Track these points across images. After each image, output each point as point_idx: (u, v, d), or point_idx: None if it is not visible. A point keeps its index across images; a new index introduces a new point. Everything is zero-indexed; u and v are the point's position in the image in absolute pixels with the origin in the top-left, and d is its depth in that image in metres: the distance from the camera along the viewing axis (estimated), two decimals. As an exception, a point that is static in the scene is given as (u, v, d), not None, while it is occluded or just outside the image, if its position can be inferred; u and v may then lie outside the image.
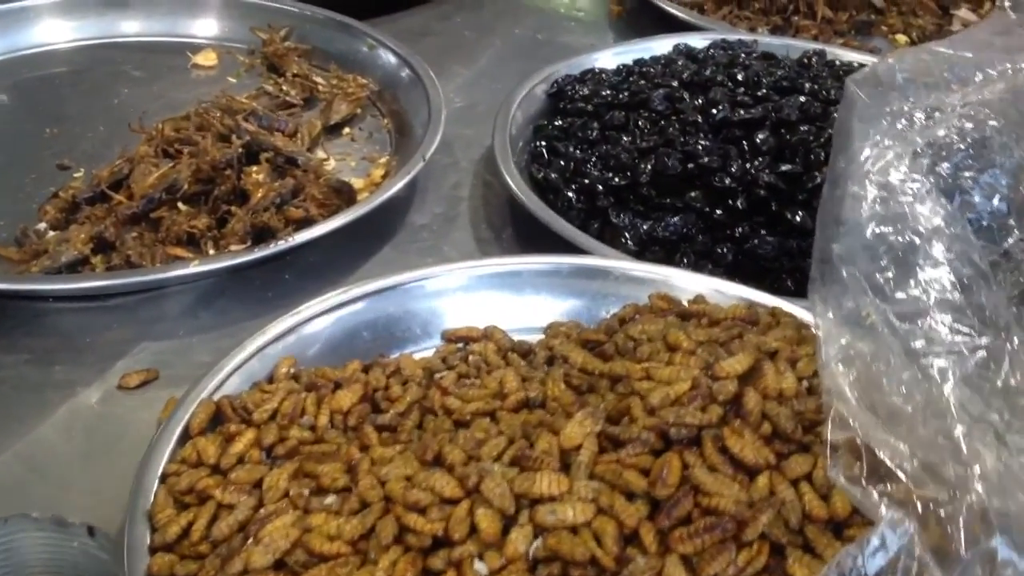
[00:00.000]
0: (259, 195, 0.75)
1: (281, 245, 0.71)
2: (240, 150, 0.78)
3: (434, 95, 0.91)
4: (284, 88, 0.96)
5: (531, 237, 0.79)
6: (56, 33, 1.03)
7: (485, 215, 0.85)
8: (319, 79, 0.98)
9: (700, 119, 0.84)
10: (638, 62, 0.98)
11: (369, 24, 1.04)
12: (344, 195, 0.80)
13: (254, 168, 0.77)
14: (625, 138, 0.86)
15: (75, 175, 0.84)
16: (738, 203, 0.78)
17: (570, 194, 0.82)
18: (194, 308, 0.71)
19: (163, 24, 1.06)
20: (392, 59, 0.99)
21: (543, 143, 0.89)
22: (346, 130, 0.94)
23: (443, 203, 0.86)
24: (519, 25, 1.17)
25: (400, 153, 0.89)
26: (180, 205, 0.75)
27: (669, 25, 1.10)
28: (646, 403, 0.48)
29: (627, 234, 0.78)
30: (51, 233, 0.75)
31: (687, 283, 0.67)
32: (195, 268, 0.68)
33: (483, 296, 0.68)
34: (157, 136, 0.81)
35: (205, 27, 1.07)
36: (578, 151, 0.86)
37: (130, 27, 1.06)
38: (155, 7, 1.07)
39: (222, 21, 1.07)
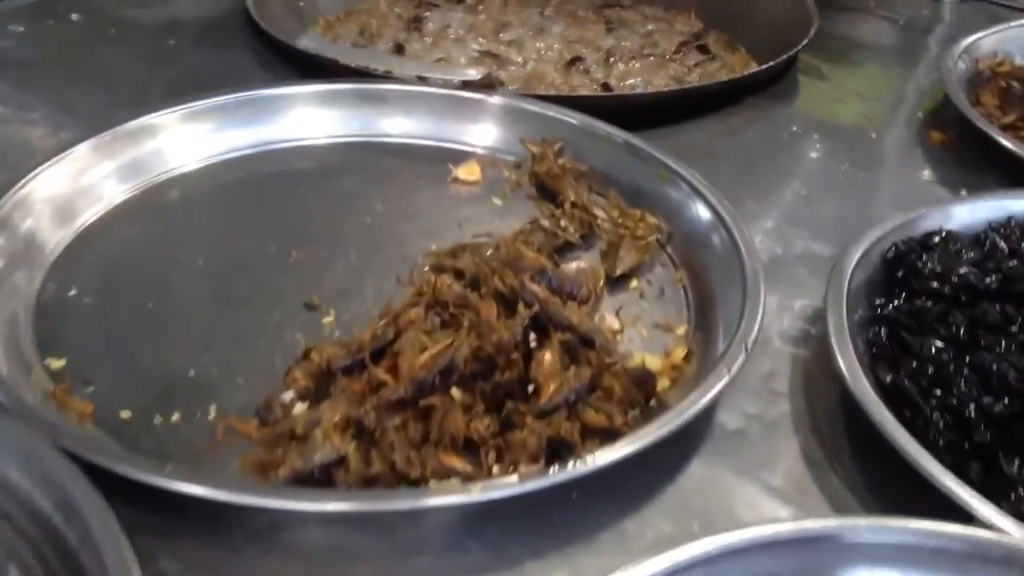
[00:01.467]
0: (551, 390, 0.60)
1: (581, 469, 0.56)
2: (526, 320, 0.64)
3: (749, 257, 0.74)
4: (563, 224, 0.81)
5: (877, 462, 0.62)
6: (308, 126, 0.92)
7: (811, 421, 0.68)
8: (600, 211, 0.84)
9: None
10: (999, 226, 0.79)
11: (645, 138, 0.89)
12: (645, 387, 0.64)
13: (545, 354, 0.62)
14: (1006, 342, 0.67)
15: (324, 319, 0.72)
16: None
17: (934, 414, 0.63)
18: (461, 536, 0.57)
19: (423, 125, 0.94)
20: (688, 193, 0.83)
21: (884, 329, 0.71)
22: (633, 284, 0.78)
23: (757, 400, 0.69)
24: (821, 148, 0.99)
25: (701, 324, 0.73)
26: (453, 390, 0.61)
27: (1006, 164, 0.91)
28: None
29: None
30: (299, 405, 0.62)
31: None
32: (480, 496, 0.54)
33: None
34: (428, 291, 0.67)
35: (469, 132, 0.94)
36: (938, 351, 0.68)
37: (388, 125, 0.94)
38: (416, 105, 0.94)
39: (487, 125, 0.94)
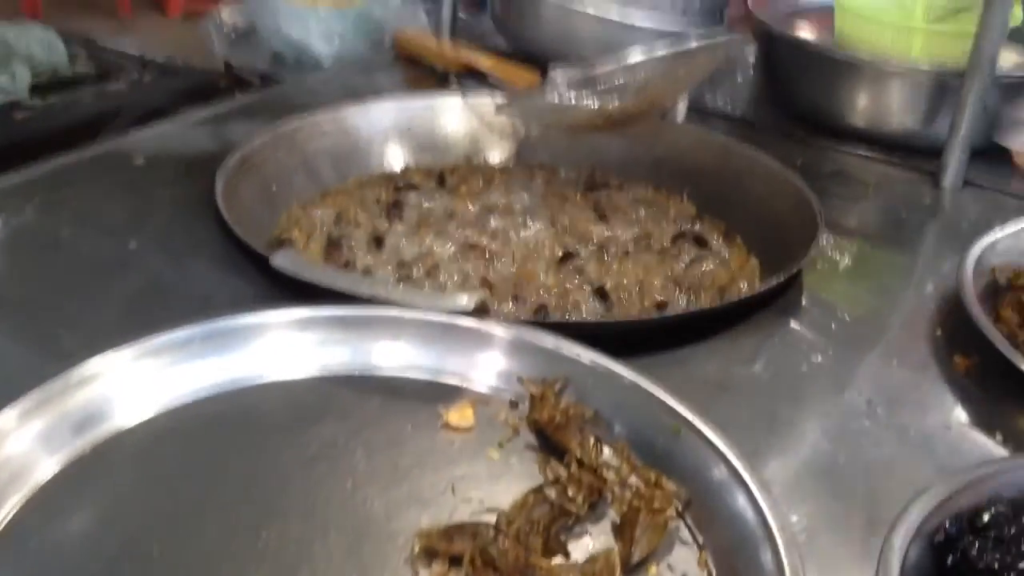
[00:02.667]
0: None
1: None
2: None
3: (782, 536, 0.66)
4: (570, 493, 0.72)
5: None
6: (282, 359, 0.83)
7: None
8: (610, 472, 0.75)
9: None
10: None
11: (650, 365, 0.82)
12: None
13: None
14: None
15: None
16: None
17: None
18: None
19: (411, 355, 0.85)
20: (707, 452, 0.75)
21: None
22: (652, 570, 0.69)
23: None
24: (839, 378, 0.92)
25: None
26: None
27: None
28: None
29: None
30: None
31: None
32: None
33: None
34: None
35: (460, 363, 0.85)
36: None
37: (372, 356, 0.85)
38: (402, 333, 0.85)
39: (480, 356, 0.85)
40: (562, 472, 0.75)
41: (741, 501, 0.71)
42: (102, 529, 0.68)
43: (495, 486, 0.75)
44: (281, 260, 0.89)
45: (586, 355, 0.83)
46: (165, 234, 1.03)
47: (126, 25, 4.36)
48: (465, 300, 0.85)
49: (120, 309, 0.91)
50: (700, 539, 0.71)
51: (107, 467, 0.73)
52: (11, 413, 0.71)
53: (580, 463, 0.75)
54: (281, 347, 0.84)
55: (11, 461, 0.70)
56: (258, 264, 0.94)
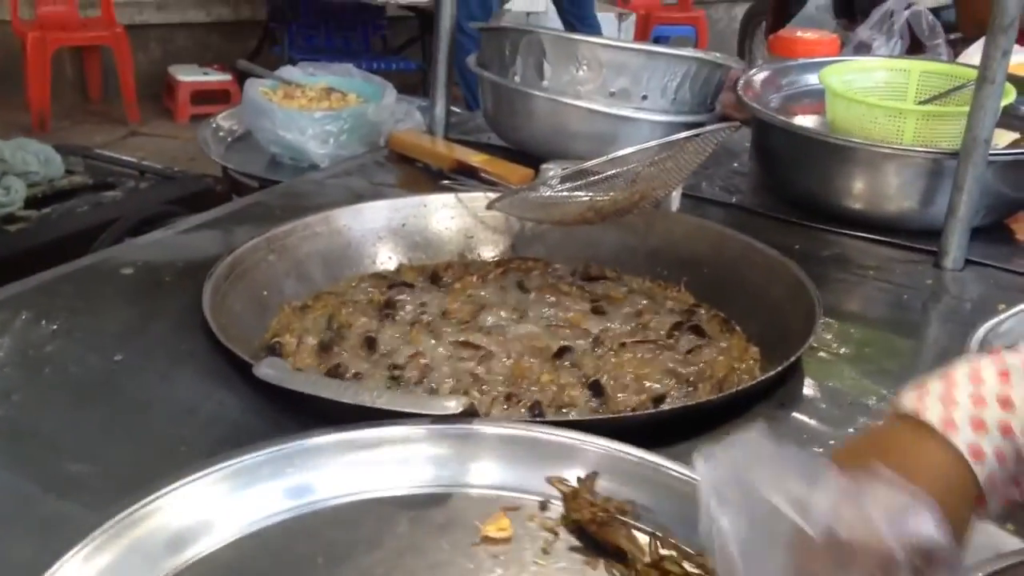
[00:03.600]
0: None
1: None
2: None
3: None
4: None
5: None
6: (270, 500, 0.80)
7: None
8: (672, 566, 0.72)
9: None
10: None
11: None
12: None
13: None
14: None
15: None
16: None
17: None
18: None
19: (424, 471, 0.82)
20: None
21: None
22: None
23: None
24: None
25: None
26: None
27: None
28: None
29: None
30: None
31: None
32: None
33: None
34: None
35: (474, 472, 0.83)
36: None
37: (382, 479, 0.81)
38: (411, 450, 0.83)
39: (490, 461, 0.83)
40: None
41: None
42: None
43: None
44: (265, 369, 0.87)
45: (602, 446, 0.81)
46: (151, 346, 1.02)
47: (135, 132, 4.44)
48: (452, 404, 0.83)
49: (101, 426, 0.89)
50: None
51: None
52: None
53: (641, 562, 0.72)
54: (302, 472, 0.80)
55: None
56: (244, 374, 0.92)
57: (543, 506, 0.80)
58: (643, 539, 0.75)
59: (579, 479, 0.78)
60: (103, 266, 1.18)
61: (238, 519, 0.76)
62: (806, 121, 1.59)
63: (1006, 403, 0.60)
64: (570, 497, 0.77)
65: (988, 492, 0.59)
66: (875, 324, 1.19)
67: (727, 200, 1.50)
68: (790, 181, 1.50)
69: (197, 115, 4.14)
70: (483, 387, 1.02)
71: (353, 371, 1.05)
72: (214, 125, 1.93)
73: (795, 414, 0.97)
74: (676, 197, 1.37)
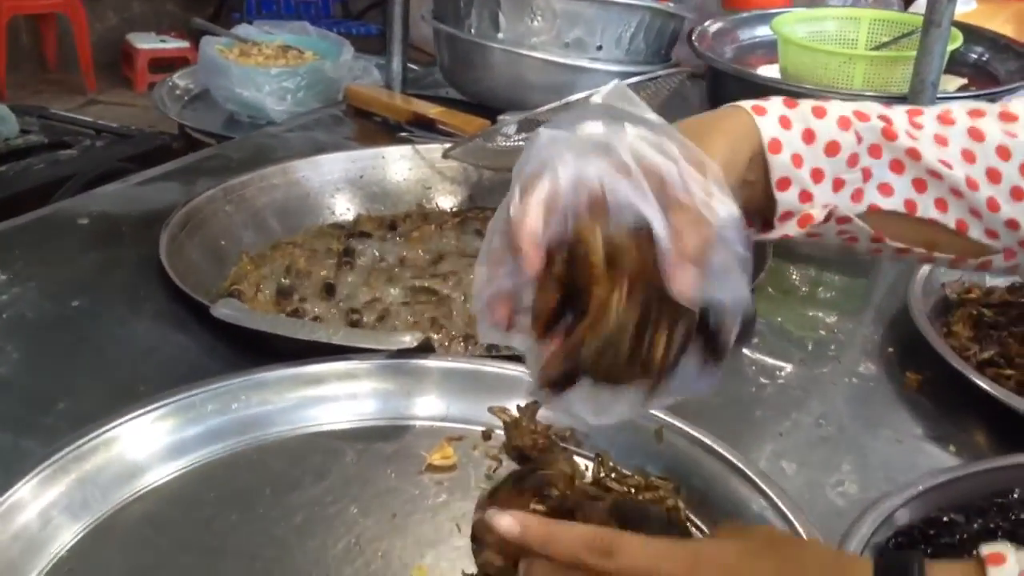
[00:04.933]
0: None
1: None
2: None
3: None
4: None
5: None
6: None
7: None
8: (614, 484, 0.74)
9: None
10: (1001, 504, 0.71)
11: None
12: None
13: None
14: None
15: None
16: None
17: None
18: None
19: (372, 404, 0.84)
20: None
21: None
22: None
23: None
24: (794, 397, 0.91)
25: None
26: None
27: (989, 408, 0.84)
28: None
29: None
30: None
31: None
32: None
33: None
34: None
35: (419, 405, 0.84)
36: None
37: (329, 412, 0.83)
38: (360, 383, 0.84)
39: (435, 395, 0.85)
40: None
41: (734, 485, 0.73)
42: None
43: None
44: (222, 309, 0.88)
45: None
46: (109, 293, 1.02)
47: (93, 100, 4.38)
48: (408, 338, 0.84)
49: (59, 369, 0.89)
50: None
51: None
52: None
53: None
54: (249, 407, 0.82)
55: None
56: (201, 317, 0.93)
57: (486, 436, 0.81)
58: (582, 463, 0.76)
59: (519, 407, 0.80)
60: (59, 216, 1.18)
61: (186, 452, 0.77)
62: (760, 71, 1.61)
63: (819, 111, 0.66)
64: (512, 426, 0.78)
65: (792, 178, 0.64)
66: (825, 264, 1.21)
67: (683, 149, 1.52)
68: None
69: (155, 83, 4.09)
70: (442, 329, 1.04)
71: (312, 315, 1.06)
72: (170, 84, 1.92)
73: (746, 351, 1.00)
74: (632, 145, 1.39)
